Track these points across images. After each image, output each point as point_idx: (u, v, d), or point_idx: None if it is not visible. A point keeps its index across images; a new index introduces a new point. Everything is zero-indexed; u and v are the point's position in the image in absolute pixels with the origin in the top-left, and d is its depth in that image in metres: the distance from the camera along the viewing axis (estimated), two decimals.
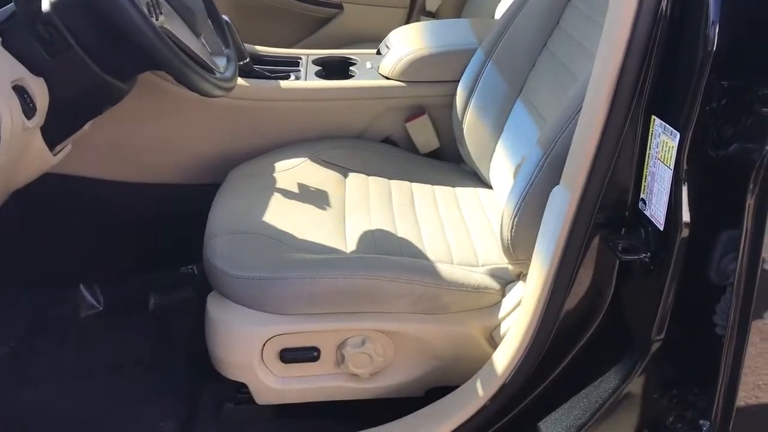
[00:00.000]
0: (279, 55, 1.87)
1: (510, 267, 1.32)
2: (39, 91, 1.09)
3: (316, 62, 1.83)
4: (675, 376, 1.03)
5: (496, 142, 1.54)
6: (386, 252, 1.33)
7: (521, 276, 1.30)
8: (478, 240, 1.41)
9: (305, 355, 1.27)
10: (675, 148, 0.88)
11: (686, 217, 0.90)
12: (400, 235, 1.39)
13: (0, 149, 0.97)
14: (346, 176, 1.58)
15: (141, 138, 1.63)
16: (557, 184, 1.06)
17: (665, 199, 0.91)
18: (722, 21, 0.82)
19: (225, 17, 1.58)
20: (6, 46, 1.06)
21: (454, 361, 1.30)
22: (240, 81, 1.61)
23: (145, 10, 1.13)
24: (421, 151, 1.78)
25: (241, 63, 1.63)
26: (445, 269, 1.29)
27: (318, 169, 1.58)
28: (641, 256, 0.97)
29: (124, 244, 1.72)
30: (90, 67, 1.15)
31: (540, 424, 1.13)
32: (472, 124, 1.62)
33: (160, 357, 1.61)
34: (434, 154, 1.79)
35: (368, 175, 1.59)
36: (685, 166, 0.88)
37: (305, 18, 2.61)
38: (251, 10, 2.51)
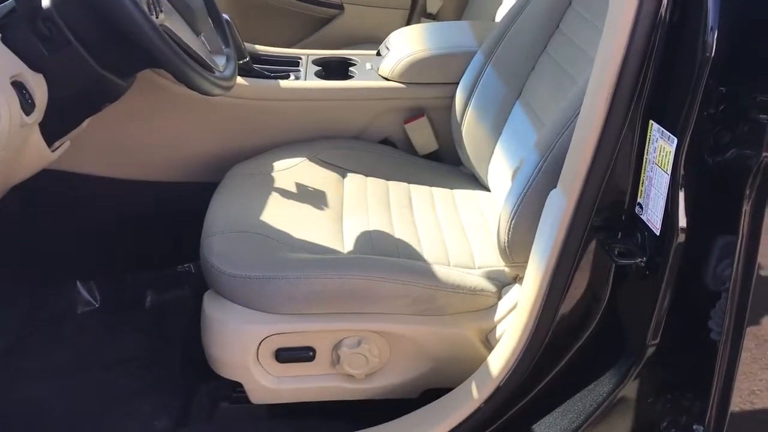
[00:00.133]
0: (279, 54, 1.87)
1: (506, 270, 1.32)
2: (38, 87, 1.09)
3: (316, 62, 1.83)
4: (669, 380, 1.03)
5: (495, 145, 1.55)
6: (383, 253, 1.33)
7: (518, 279, 1.30)
8: (475, 242, 1.41)
9: (301, 354, 1.27)
10: (672, 153, 0.88)
11: (682, 222, 0.90)
12: (397, 236, 1.39)
13: None
14: (344, 177, 1.58)
15: (139, 135, 1.63)
16: (555, 187, 1.06)
17: (662, 203, 0.91)
18: (721, 27, 0.82)
19: (225, 16, 1.58)
20: (5, 42, 1.06)
21: (450, 363, 1.30)
22: (239, 80, 1.61)
23: (145, 8, 1.13)
24: (419, 153, 1.78)
25: (241, 62, 1.64)
26: (442, 271, 1.29)
27: (316, 169, 1.58)
28: (637, 261, 0.97)
29: (121, 242, 1.72)
30: (89, 64, 1.15)
31: (534, 426, 1.13)
32: (470, 127, 1.62)
33: (156, 355, 1.61)
34: (433, 156, 1.79)
35: (366, 175, 1.59)
36: (682, 171, 0.88)
37: (306, 18, 2.61)
38: (252, 9, 2.51)
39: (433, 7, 2.64)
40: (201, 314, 1.29)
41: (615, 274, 1.03)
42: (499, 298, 1.31)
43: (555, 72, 1.45)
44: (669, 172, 0.89)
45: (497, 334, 1.27)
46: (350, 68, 1.83)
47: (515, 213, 1.19)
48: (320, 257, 1.29)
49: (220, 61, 1.45)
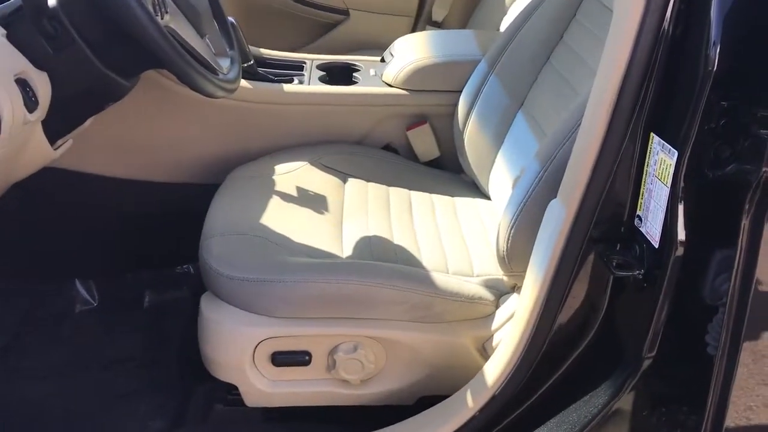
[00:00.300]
0: (284, 58, 1.88)
1: (505, 278, 1.32)
2: (41, 85, 1.09)
3: (320, 67, 1.83)
4: (665, 394, 1.03)
5: (496, 154, 1.55)
6: (382, 258, 1.33)
7: (516, 288, 1.30)
8: (475, 250, 1.41)
9: (297, 358, 1.27)
10: (672, 166, 0.88)
11: (681, 235, 0.90)
12: (396, 242, 1.40)
13: (1, 141, 0.97)
14: (345, 181, 1.58)
15: (141, 136, 1.63)
16: (555, 197, 1.07)
17: (661, 216, 0.91)
18: (723, 41, 0.82)
19: (231, 19, 1.58)
20: (11, 39, 1.06)
21: (446, 371, 1.30)
22: (243, 83, 1.61)
23: (151, 9, 1.13)
24: (421, 160, 1.78)
25: (246, 65, 1.64)
26: (440, 278, 1.29)
27: (317, 173, 1.58)
28: (635, 273, 0.97)
29: (121, 241, 1.72)
30: (93, 63, 1.15)
31: None
32: (472, 135, 1.62)
33: (153, 355, 1.61)
34: (434, 163, 1.79)
35: (367, 181, 1.60)
36: (681, 185, 0.88)
37: (311, 23, 2.61)
38: (258, 13, 2.52)
39: (438, 15, 2.65)
40: (198, 315, 1.29)
41: (613, 285, 1.02)
42: (497, 307, 1.31)
43: (558, 82, 1.46)
44: (669, 185, 0.89)
45: (494, 343, 1.27)
46: (354, 74, 1.83)
47: (515, 222, 1.19)
48: (319, 261, 1.29)
49: (224, 64, 1.46)
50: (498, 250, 1.25)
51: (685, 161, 0.87)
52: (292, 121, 1.70)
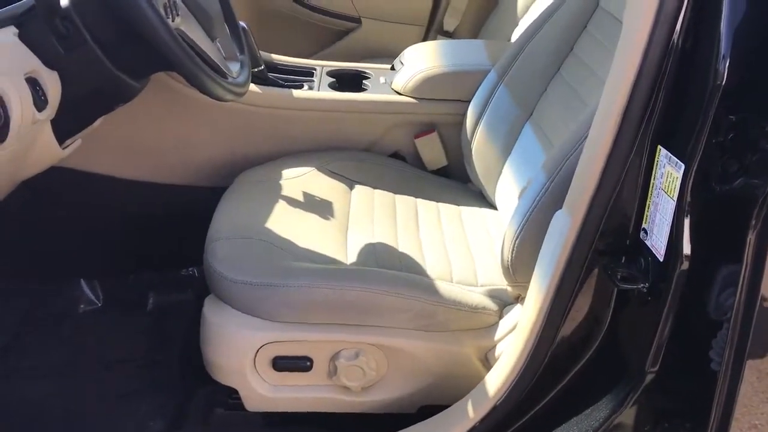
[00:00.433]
0: (294, 64, 1.88)
1: (509, 289, 1.31)
2: (52, 84, 1.10)
3: (330, 74, 1.84)
4: (668, 409, 1.02)
5: (504, 164, 1.55)
6: (386, 266, 1.33)
7: (519, 299, 1.29)
8: (479, 260, 1.40)
9: (298, 364, 1.27)
10: (679, 180, 0.87)
11: (687, 249, 0.90)
12: (401, 249, 1.39)
13: (9, 139, 0.98)
14: (351, 188, 1.58)
15: (150, 137, 1.64)
16: (561, 208, 1.06)
17: (667, 230, 0.91)
18: (732, 55, 0.82)
19: (242, 23, 1.59)
20: (22, 39, 1.07)
21: (447, 380, 1.29)
22: (252, 87, 1.62)
23: (162, 11, 1.14)
24: (428, 168, 1.78)
25: (256, 70, 1.65)
26: (444, 287, 1.29)
27: (324, 179, 1.58)
28: (639, 286, 0.96)
29: (126, 242, 1.73)
30: (104, 63, 1.16)
31: None
32: (480, 145, 1.62)
33: (155, 356, 1.61)
34: (442, 172, 1.79)
35: (374, 188, 1.60)
36: (688, 198, 0.88)
37: (323, 30, 2.62)
38: (270, 19, 2.53)
39: (449, 25, 2.65)
40: (201, 318, 1.29)
41: (617, 298, 1.02)
42: (500, 317, 1.30)
43: (567, 94, 1.45)
44: (675, 198, 0.88)
45: (496, 353, 1.26)
46: (364, 81, 1.83)
47: (520, 232, 1.19)
48: (322, 267, 1.28)
49: (234, 68, 1.46)
50: (503, 260, 1.24)
51: (692, 175, 0.86)
52: (300, 127, 1.71)
